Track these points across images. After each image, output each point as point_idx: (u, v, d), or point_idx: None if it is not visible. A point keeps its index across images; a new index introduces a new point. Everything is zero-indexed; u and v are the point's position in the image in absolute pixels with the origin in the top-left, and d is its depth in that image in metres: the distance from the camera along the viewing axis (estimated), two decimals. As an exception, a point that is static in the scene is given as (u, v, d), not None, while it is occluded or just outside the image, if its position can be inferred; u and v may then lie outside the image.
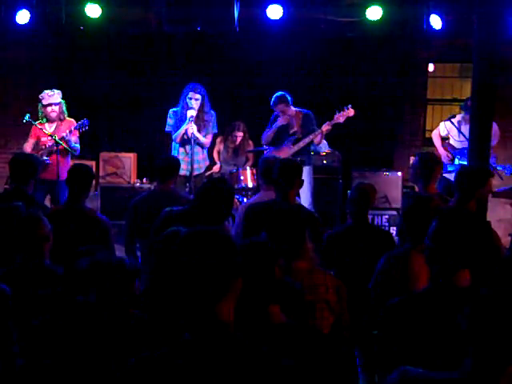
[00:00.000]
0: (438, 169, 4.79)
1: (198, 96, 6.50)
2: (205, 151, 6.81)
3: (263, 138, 7.12)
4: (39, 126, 6.70)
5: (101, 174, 8.07)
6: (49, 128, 6.79)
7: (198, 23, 7.89)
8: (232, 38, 7.99)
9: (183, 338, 1.76)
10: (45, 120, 6.82)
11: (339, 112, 6.83)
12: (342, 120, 6.86)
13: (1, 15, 7.50)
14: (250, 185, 7.11)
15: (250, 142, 8.11)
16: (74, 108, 8.26)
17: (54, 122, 6.80)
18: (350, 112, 6.86)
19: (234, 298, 1.78)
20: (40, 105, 6.81)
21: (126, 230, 4.88)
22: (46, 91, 6.81)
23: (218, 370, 1.70)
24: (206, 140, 6.64)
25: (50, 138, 6.63)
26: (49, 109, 6.76)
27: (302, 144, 6.89)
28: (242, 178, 7.15)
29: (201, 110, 6.55)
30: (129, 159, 8.22)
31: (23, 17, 7.39)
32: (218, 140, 8.13)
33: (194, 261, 1.73)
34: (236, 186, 7.13)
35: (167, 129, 6.71)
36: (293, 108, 6.94)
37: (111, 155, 8.25)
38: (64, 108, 6.86)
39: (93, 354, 2.49)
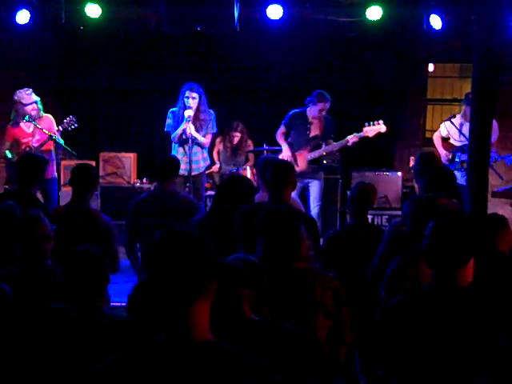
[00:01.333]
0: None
1: (195, 95, 6.48)
2: (205, 151, 6.80)
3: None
4: (38, 126, 6.70)
5: (101, 173, 8.06)
6: (27, 128, 6.80)
7: (198, 23, 7.89)
8: (232, 38, 7.98)
9: (156, 339, 1.74)
10: (13, 120, 6.79)
11: (369, 125, 6.63)
12: (371, 134, 6.64)
13: (1, 15, 7.50)
14: (250, 185, 7.11)
15: (250, 142, 8.11)
16: (73, 108, 8.30)
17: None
18: (382, 127, 6.63)
19: (209, 300, 1.76)
20: (16, 106, 6.75)
21: (126, 231, 4.88)
22: (21, 91, 6.76)
23: (187, 373, 1.68)
24: (205, 139, 6.63)
25: (30, 138, 6.66)
26: (30, 107, 6.73)
27: (322, 151, 6.87)
28: (241, 177, 7.14)
29: (198, 109, 6.53)
30: (129, 159, 8.22)
31: (23, 17, 7.38)
32: (218, 140, 8.13)
33: (168, 262, 1.71)
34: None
35: (166, 129, 6.71)
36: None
37: (111, 155, 8.25)
38: (40, 105, 6.85)
39: (64, 356, 2.50)
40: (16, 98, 6.76)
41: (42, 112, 6.83)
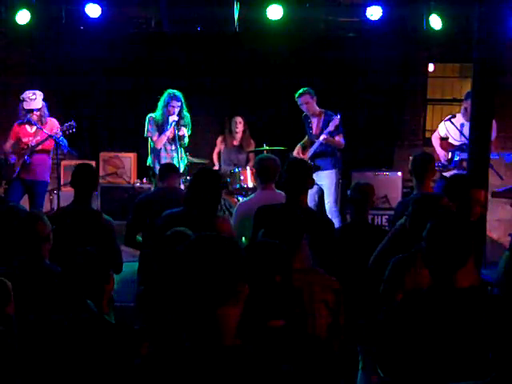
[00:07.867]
0: (431, 169, 4.76)
1: (179, 103, 6.84)
2: (181, 151, 7.01)
3: None
4: (39, 126, 6.70)
5: (101, 174, 8.06)
6: (30, 129, 6.75)
7: (198, 23, 7.89)
8: (232, 38, 7.99)
9: (182, 345, 1.72)
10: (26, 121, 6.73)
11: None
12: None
13: (1, 15, 7.51)
14: (250, 185, 7.12)
15: (252, 141, 8.10)
16: (74, 108, 8.29)
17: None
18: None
19: (240, 303, 1.74)
20: (21, 105, 6.71)
21: (128, 223, 4.87)
22: (28, 93, 6.68)
23: (215, 379, 1.66)
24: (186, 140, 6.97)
25: (31, 138, 6.63)
26: (31, 113, 6.67)
27: (313, 149, 6.96)
28: (242, 177, 7.16)
29: (180, 115, 6.86)
30: (129, 159, 8.23)
31: (23, 17, 7.40)
32: (219, 140, 8.14)
33: (200, 264, 1.70)
34: (236, 186, 7.14)
35: (146, 134, 6.95)
36: (316, 107, 7.01)
37: (111, 155, 8.25)
38: (46, 110, 6.79)
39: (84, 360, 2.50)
40: (21, 97, 6.71)
41: (45, 118, 6.75)
